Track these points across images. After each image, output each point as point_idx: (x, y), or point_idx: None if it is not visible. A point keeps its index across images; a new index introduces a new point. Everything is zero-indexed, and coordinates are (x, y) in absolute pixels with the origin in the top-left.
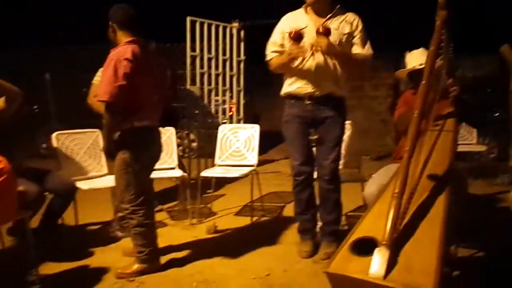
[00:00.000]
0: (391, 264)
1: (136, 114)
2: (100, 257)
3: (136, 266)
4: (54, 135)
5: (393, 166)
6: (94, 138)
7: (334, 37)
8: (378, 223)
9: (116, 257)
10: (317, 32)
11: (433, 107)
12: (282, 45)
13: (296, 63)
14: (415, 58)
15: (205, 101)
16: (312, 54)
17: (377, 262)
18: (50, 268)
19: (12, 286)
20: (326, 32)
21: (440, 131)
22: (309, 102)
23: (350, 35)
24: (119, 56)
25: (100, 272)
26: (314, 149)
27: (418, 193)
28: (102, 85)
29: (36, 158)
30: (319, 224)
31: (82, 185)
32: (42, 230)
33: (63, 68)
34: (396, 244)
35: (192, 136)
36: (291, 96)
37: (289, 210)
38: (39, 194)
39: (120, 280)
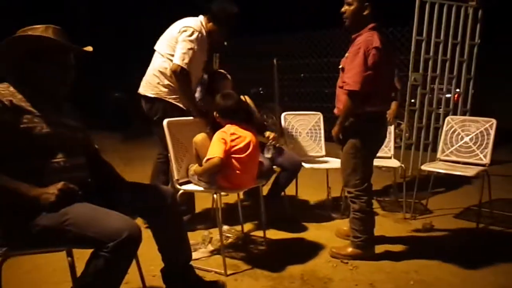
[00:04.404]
0: None
1: (371, 100)
2: (315, 233)
3: (350, 250)
4: (283, 115)
5: None
6: (316, 120)
7: None
8: None
9: (329, 236)
10: None
11: None
12: None
13: None
14: None
15: (427, 89)
16: None
17: None
18: (273, 233)
19: (244, 240)
20: None
21: None
22: None
23: None
24: (368, 45)
25: (315, 248)
26: None
27: None
28: (351, 73)
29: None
30: None
31: (303, 163)
32: (269, 199)
33: (293, 52)
34: None
35: (403, 126)
36: None
37: None
38: (271, 167)
39: (334, 259)
